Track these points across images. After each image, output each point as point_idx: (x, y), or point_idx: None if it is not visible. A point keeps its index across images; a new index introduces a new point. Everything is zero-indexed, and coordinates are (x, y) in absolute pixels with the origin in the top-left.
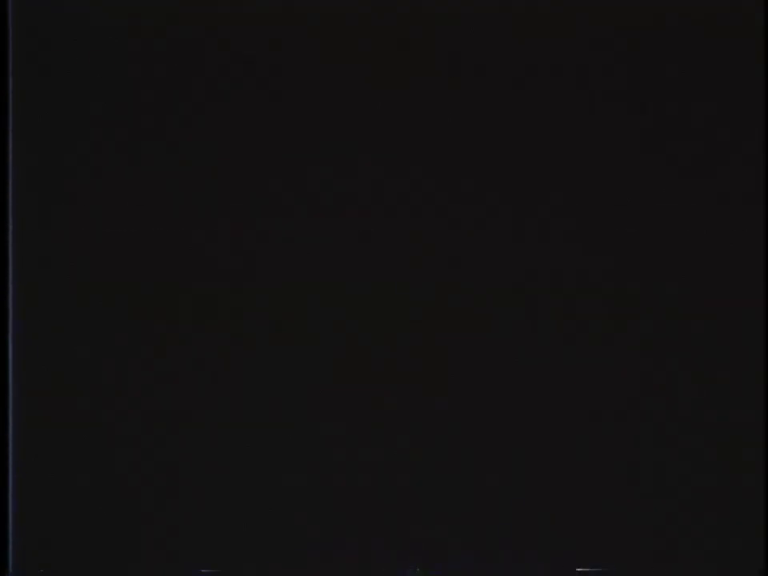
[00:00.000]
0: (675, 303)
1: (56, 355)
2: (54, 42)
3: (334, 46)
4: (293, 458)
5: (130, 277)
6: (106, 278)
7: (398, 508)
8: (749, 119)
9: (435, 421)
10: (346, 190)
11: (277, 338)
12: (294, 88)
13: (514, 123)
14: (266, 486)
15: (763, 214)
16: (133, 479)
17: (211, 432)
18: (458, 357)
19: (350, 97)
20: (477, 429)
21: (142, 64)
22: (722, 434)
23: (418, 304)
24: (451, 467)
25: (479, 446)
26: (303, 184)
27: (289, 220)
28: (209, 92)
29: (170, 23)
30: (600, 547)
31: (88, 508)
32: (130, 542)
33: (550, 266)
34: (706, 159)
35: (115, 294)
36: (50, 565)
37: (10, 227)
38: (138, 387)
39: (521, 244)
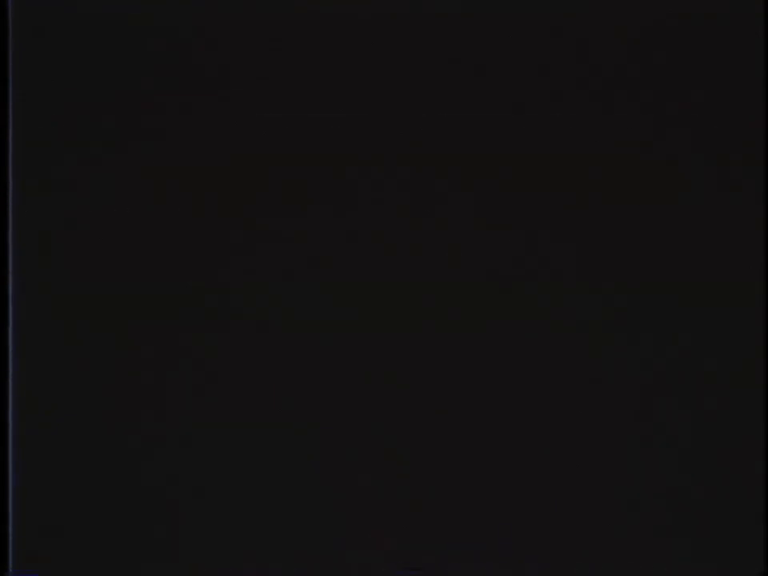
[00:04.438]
0: (675, 303)
1: (57, 355)
2: (54, 42)
3: (334, 45)
4: (293, 458)
5: (131, 277)
6: (107, 278)
7: (398, 508)
8: (749, 119)
9: (435, 421)
10: (345, 190)
11: (277, 337)
12: (296, 88)
13: (512, 123)
14: (265, 485)
15: (763, 214)
16: (133, 479)
17: (210, 432)
18: (458, 357)
19: (349, 96)
20: (477, 429)
21: (143, 63)
22: (722, 433)
23: (418, 304)
24: (451, 468)
25: (479, 446)
26: (302, 183)
27: (290, 221)
28: (211, 92)
29: (171, 22)
30: (599, 547)
31: (88, 508)
32: (130, 542)
33: (550, 266)
34: (705, 159)
35: (116, 294)
36: (50, 565)
37: (10, 227)
38: (138, 387)
39: (521, 244)
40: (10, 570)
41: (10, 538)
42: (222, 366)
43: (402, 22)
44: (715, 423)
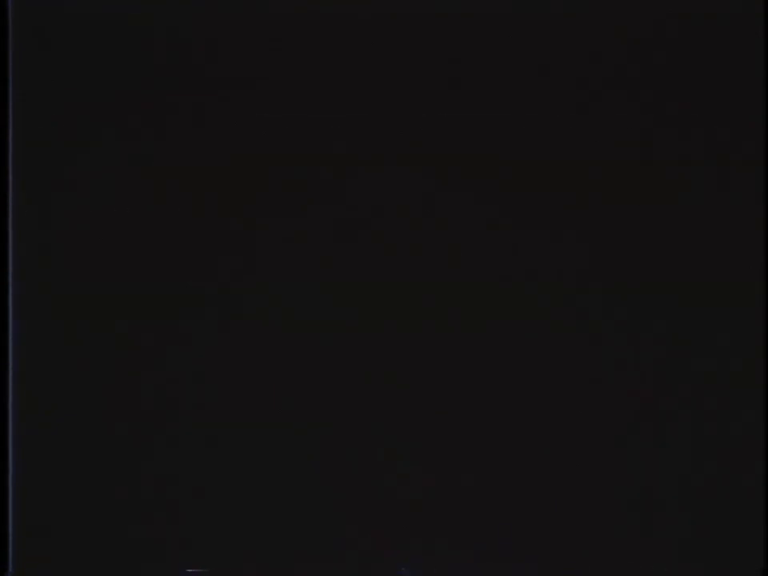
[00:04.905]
0: (674, 304)
1: (56, 355)
2: (54, 42)
3: (334, 45)
4: (291, 458)
5: (131, 277)
6: (107, 278)
7: (397, 508)
8: (749, 119)
9: (435, 421)
10: (345, 190)
11: (276, 338)
12: (296, 88)
13: (512, 123)
14: (263, 485)
15: (763, 214)
16: (132, 480)
17: (209, 432)
18: (458, 357)
19: (350, 96)
20: (476, 430)
21: (142, 63)
22: (722, 433)
23: (418, 304)
24: (451, 468)
25: (478, 447)
26: (302, 183)
27: (290, 221)
28: (211, 92)
29: (172, 22)
30: (600, 547)
31: (87, 508)
32: (129, 542)
33: (550, 266)
34: (705, 159)
35: (115, 294)
36: (50, 564)
37: (10, 227)
38: (136, 388)
39: (521, 245)
40: (10, 570)
41: (10, 538)
42: (221, 366)
43: (401, 22)
44: (715, 423)
